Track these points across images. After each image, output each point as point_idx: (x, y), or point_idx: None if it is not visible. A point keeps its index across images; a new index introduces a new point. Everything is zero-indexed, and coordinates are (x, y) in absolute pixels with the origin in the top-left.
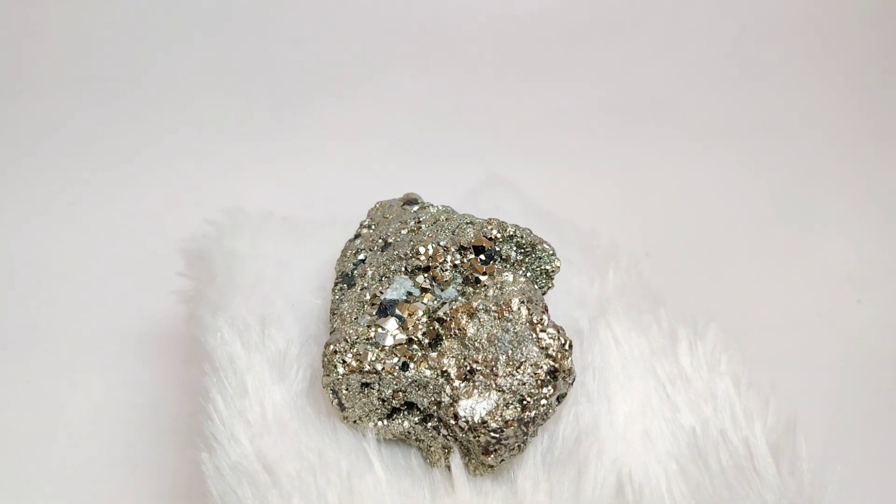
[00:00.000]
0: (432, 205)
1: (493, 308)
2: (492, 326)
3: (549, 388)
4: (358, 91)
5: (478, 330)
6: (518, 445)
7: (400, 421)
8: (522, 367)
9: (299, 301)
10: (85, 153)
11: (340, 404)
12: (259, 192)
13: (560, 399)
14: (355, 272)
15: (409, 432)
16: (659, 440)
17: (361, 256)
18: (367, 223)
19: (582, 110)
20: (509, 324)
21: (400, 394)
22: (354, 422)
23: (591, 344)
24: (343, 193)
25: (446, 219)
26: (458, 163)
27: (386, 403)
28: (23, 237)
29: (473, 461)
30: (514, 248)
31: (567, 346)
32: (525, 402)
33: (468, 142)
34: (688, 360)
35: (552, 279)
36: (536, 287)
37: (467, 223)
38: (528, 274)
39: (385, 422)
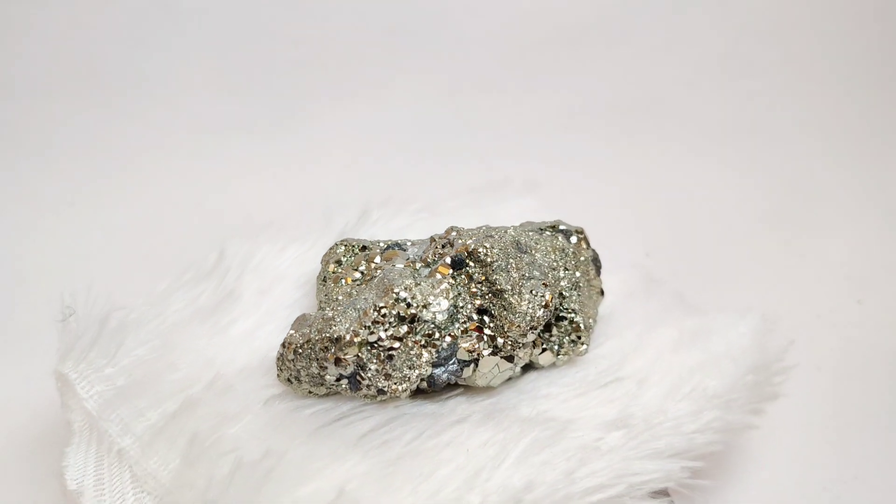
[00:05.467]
0: (563, 235)
1: (383, 285)
2: (361, 292)
3: (327, 354)
4: (358, 91)
5: (362, 292)
6: (289, 378)
7: None
8: (329, 327)
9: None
10: (85, 153)
11: (318, 283)
12: (259, 192)
13: (352, 386)
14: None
15: None
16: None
17: None
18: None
19: (582, 110)
20: (369, 297)
21: (324, 298)
22: (319, 302)
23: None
24: (343, 193)
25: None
26: (458, 162)
27: (321, 303)
28: (23, 237)
29: None
30: (484, 278)
31: (377, 349)
32: (302, 352)
33: (468, 141)
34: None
35: (515, 336)
36: (448, 312)
37: (488, 236)
38: (484, 312)
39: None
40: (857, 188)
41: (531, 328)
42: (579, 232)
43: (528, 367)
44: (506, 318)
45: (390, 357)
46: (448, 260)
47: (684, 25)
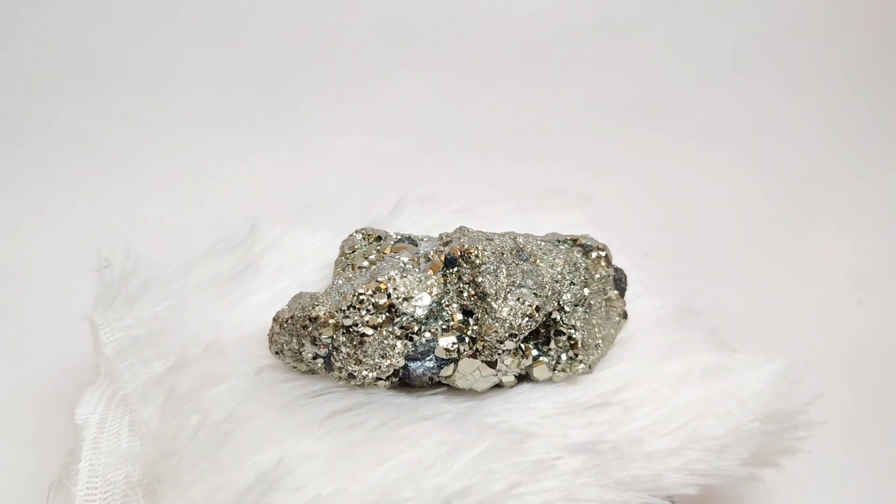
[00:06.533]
0: (583, 250)
1: (371, 273)
2: (356, 279)
3: (305, 331)
4: (358, 91)
5: (357, 279)
6: (277, 351)
7: None
8: (311, 306)
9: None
10: (85, 153)
11: (335, 267)
12: (259, 192)
13: (326, 366)
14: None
15: None
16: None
17: None
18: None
19: (582, 110)
20: (356, 283)
21: (332, 282)
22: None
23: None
24: (343, 193)
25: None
26: (458, 162)
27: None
28: (22, 237)
29: None
30: (471, 279)
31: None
32: (286, 327)
33: (468, 141)
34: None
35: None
36: (430, 308)
37: (487, 239)
38: (470, 314)
39: None
40: (857, 188)
41: (510, 335)
42: (601, 249)
43: (525, 378)
44: (486, 323)
45: (362, 343)
46: (442, 258)
47: (685, 25)
